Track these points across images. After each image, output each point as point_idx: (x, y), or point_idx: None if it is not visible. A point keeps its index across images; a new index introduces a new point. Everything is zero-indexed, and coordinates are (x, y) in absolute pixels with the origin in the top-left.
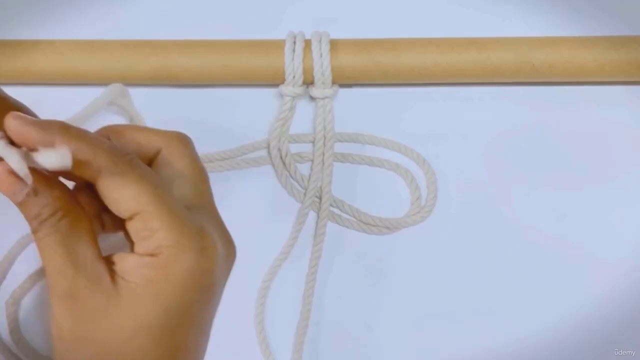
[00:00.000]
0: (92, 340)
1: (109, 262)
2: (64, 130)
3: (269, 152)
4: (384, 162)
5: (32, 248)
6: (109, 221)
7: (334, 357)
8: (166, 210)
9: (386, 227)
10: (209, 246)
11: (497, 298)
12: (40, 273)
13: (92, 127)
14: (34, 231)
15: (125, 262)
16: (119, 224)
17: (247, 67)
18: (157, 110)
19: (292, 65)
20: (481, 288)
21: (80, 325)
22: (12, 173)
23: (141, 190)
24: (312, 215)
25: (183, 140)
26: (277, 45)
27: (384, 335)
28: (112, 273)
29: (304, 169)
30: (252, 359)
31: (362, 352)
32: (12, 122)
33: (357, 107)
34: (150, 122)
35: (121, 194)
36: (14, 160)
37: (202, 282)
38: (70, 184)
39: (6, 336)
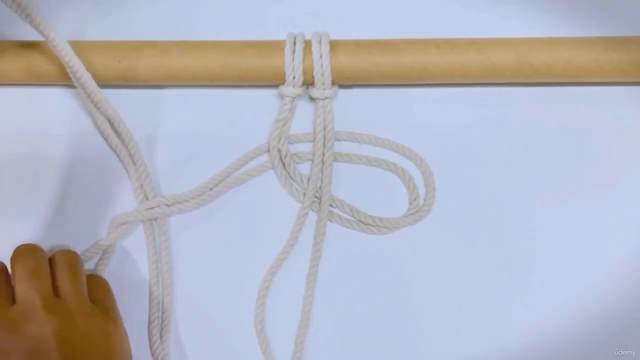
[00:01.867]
0: None
1: None
2: None
3: (268, 153)
4: (383, 162)
5: None
6: None
7: (334, 357)
8: None
9: (385, 226)
10: None
11: (496, 298)
12: None
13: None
14: None
15: None
16: None
17: (247, 67)
18: (156, 110)
19: (292, 65)
20: (480, 288)
21: None
22: None
23: None
24: (312, 215)
25: None
26: (277, 46)
27: (383, 334)
28: None
29: (303, 169)
30: (252, 359)
31: (362, 351)
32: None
33: (357, 108)
34: (150, 123)
35: None
36: None
37: None
38: None
39: None
